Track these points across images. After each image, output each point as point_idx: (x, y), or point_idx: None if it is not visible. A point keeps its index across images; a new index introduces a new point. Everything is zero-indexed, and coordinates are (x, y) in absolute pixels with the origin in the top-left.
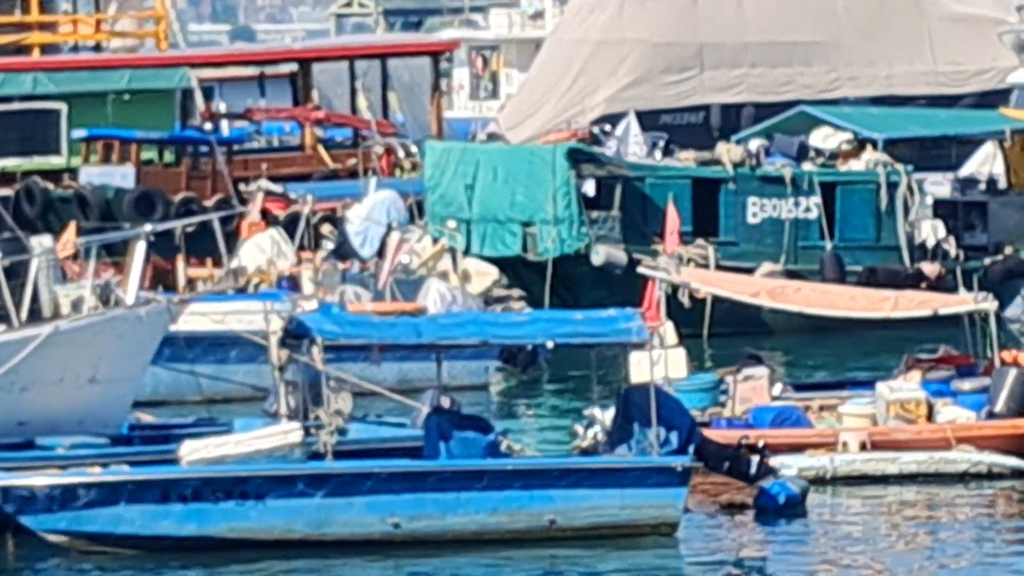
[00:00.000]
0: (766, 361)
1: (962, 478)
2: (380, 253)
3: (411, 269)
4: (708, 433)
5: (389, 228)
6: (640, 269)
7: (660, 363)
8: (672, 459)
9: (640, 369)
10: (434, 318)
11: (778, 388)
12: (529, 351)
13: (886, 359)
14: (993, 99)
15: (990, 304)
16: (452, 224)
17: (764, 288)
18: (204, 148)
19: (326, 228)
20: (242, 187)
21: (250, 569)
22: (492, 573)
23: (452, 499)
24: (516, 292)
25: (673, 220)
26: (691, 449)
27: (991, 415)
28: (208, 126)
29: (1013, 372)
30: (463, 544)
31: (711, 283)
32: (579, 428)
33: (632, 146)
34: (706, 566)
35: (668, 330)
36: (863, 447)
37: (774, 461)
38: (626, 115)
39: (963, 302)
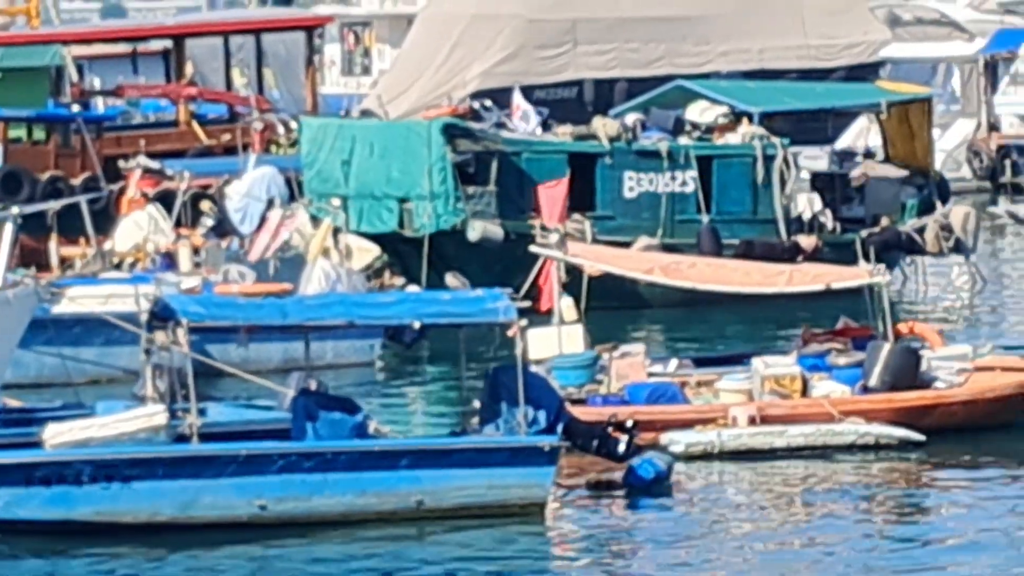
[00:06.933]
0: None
1: (849, 450)
2: (260, 230)
3: (292, 246)
4: (584, 410)
5: (270, 204)
6: (533, 248)
7: (555, 339)
8: (539, 439)
9: (538, 346)
10: (301, 299)
11: (674, 363)
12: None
13: (777, 332)
14: (863, 72)
15: (883, 277)
16: (336, 202)
17: (658, 264)
18: (74, 126)
19: (206, 205)
20: (121, 164)
21: (116, 553)
22: (360, 555)
23: (319, 481)
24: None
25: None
26: (559, 428)
27: (865, 389)
28: (76, 107)
29: (887, 346)
30: (331, 526)
31: (603, 260)
32: (477, 404)
33: (522, 121)
34: (574, 546)
35: (566, 305)
36: (752, 421)
37: (663, 437)
38: (504, 91)
39: (857, 276)
